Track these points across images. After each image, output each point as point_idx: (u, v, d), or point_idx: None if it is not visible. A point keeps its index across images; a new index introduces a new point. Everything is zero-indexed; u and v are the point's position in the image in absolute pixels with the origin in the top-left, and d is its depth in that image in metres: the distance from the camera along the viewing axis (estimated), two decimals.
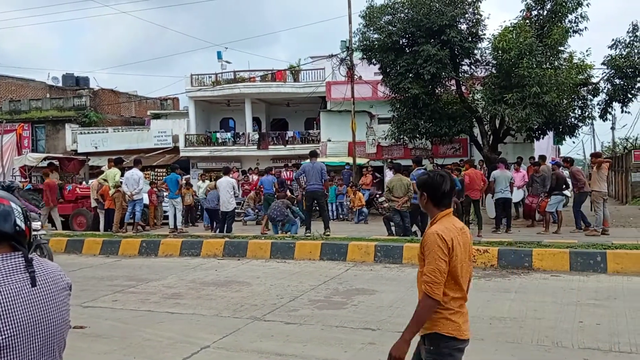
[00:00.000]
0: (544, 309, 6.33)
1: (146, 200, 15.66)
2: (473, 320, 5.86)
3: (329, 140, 26.75)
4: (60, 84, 39.26)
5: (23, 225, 1.76)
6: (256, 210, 17.69)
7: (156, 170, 28.31)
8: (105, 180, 14.24)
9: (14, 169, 20.68)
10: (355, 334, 5.61)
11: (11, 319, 1.60)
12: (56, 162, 18.17)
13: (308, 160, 12.94)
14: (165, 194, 16.01)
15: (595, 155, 13.46)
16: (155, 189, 16.95)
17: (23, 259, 1.71)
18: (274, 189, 16.17)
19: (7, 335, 1.58)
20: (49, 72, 47.37)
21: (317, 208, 13.60)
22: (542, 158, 14.84)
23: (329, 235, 11.69)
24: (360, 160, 23.66)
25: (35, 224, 9.18)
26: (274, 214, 13.21)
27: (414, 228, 12.22)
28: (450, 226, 2.84)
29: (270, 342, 5.45)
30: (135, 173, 13.55)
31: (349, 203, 18.59)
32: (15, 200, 1.78)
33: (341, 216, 18.87)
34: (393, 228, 11.98)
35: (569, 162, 14.74)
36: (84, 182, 19.11)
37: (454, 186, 2.99)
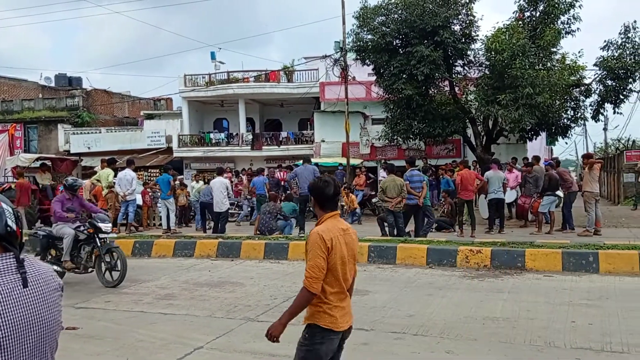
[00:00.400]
0: (536, 309, 6.35)
1: (139, 201, 15.59)
2: (466, 321, 5.90)
3: (323, 141, 26.75)
4: (52, 84, 39.04)
5: (14, 226, 1.75)
6: (250, 207, 17.59)
7: (149, 170, 28.20)
8: (98, 180, 14.18)
9: (5, 169, 20.56)
10: None
11: (2, 320, 1.59)
12: (49, 163, 18.07)
13: (301, 162, 13.08)
14: (158, 194, 15.93)
15: (587, 156, 13.56)
16: (148, 190, 16.87)
17: (14, 259, 1.70)
18: (266, 189, 16.17)
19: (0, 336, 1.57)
20: (42, 72, 47.19)
21: (311, 209, 13.62)
22: (536, 159, 14.90)
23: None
24: (354, 161, 23.68)
25: (106, 226, 8.56)
26: (262, 227, 13.04)
27: (409, 228, 12.24)
28: (333, 227, 3.14)
29: (263, 343, 5.41)
30: (128, 173, 13.50)
31: (342, 204, 18.57)
32: (5, 201, 1.77)
33: None
34: (387, 228, 12.00)
35: (555, 163, 14.81)
36: None
37: (337, 191, 3.29)
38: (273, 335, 3.15)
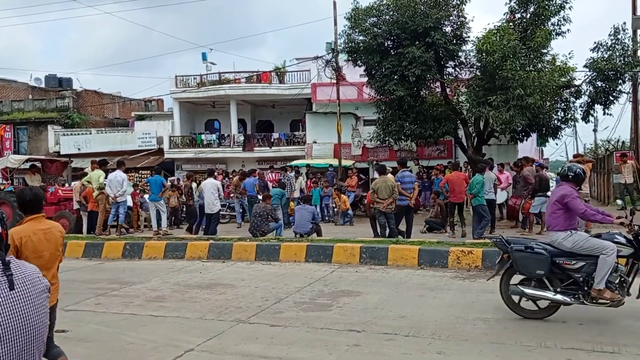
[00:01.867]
0: None
1: (130, 203, 15.50)
2: (457, 322, 5.91)
3: (315, 142, 26.75)
4: (42, 85, 38.76)
5: (0, 228, 1.73)
6: (242, 207, 17.46)
7: (140, 172, 28.06)
8: (88, 182, 14.06)
9: None
10: (340, 336, 5.60)
11: None
12: (38, 164, 17.89)
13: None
14: (146, 196, 15.79)
15: (576, 156, 13.76)
16: (138, 191, 16.77)
17: (0, 262, 1.67)
18: (256, 190, 16.15)
19: None
20: (32, 73, 46.83)
21: None
22: (527, 160, 14.94)
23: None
24: (346, 162, 23.69)
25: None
26: (253, 229, 12.82)
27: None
28: (28, 227, 3.93)
29: (254, 345, 5.42)
30: (118, 175, 13.41)
31: (334, 205, 18.56)
32: None
33: (327, 218, 18.84)
34: (378, 229, 12.00)
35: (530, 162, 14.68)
36: (66, 184, 18.85)
37: (36, 198, 4.04)
38: None
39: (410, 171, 12.79)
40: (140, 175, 27.48)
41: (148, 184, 15.29)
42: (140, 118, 33.62)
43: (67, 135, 31.97)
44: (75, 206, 15.23)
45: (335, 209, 18.29)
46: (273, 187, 17.61)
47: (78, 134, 31.96)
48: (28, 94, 37.05)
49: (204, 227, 14.25)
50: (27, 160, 18.00)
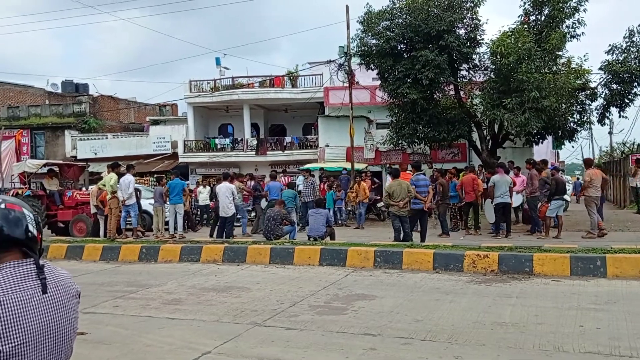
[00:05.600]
0: (545, 313, 6.33)
1: (147, 207, 15.62)
2: (474, 326, 5.89)
3: (327, 146, 26.79)
4: (59, 91, 39.29)
5: (35, 232, 1.76)
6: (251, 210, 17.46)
7: (154, 175, 28.29)
8: (104, 185, 14.22)
9: (12, 175, 20.64)
10: (356, 340, 5.60)
11: (22, 326, 1.60)
12: (56, 169, 18.14)
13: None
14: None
15: (587, 161, 13.91)
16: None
17: (34, 265, 1.71)
18: (279, 195, 16.00)
19: (18, 343, 1.58)
20: (48, 78, 47.48)
21: None
22: (544, 162, 14.83)
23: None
24: (359, 166, 23.68)
25: None
26: (267, 232, 12.80)
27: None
28: None
29: (270, 348, 5.45)
30: (126, 178, 13.55)
31: (351, 203, 18.60)
32: (26, 207, 1.78)
33: (339, 222, 18.84)
34: (394, 233, 11.97)
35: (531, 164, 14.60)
36: (83, 188, 19.08)
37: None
38: None
39: (424, 174, 12.78)
40: (154, 179, 27.68)
41: (169, 188, 15.33)
42: (155, 123, 33.93)
43: (83, 140, 32.35)
44: (93, 210, 15.39)
45: (356, 199, 17.98)
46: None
47: (94, 139, 32.33)
48: (45, 100, 37.58)
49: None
50: (44, 165, 18.24)
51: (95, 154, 30.84)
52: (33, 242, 1.74)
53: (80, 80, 42.77)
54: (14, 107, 35.55)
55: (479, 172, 17.80)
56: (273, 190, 16.24)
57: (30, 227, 1.74)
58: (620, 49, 16.73)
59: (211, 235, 14.57)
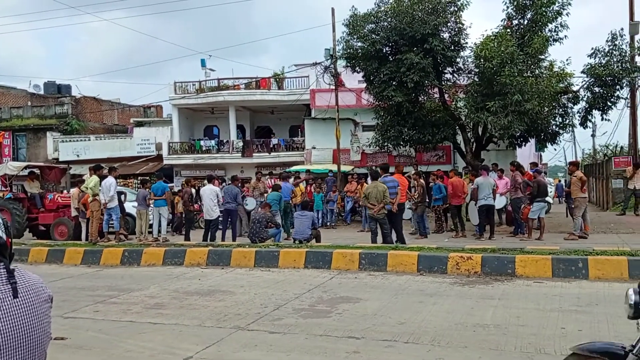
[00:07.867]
0: (526, 315, 6.37)
1: (130, 210, 15.47)
2: (457, 328, 5.90)
3: (314, 148, 26.80)
4: (42, 92, 38.82)
5: (4, 236, 1.73)
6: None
7: (139, 178, 28.07)
8: (87, 188, 14.06)
9: None
10: (340, 343, 5.59)
11: None
12: (37, 171, 17.90)
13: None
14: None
15: (573, 163, 14.05)
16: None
17: (4, 270, 1.68)
18: (290, 197, 15.77)
19: None
20: (31, 80, 46.94)
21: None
22: (512, 164, 14.88)
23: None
24: (345, 168, 23.72)
25: None
26: (252, 235, 12.76)
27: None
28: None
29: (254, 352, 5.41)
30: (107, 181, 13.40)
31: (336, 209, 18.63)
32: None
33: (328, 223, 18.84)
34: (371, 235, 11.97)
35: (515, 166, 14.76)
36: (65, 191, 18.85)
37: None
38: None
39: (392, 174, 12.65)
40: (138, 181, 27.46)
41: (152, 192, 15.17)
42: (139, 124, 33.66)
43: (65, 141, 31.99)
44: (74, 213, 15.20)
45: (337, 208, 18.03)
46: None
47: (77, 141, 31.99)
48: (27, 101, 37.11)
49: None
50: (25, 167, 17.99)
51: (78, 155, 30.53)
52: (2, 246, 1.72)
53: (63, 81, 42.34)
54: None
55: (463, 174, 17.90)
56: (284, 191, 16.15)
57: (0, 232, 1.71)
58: (603, 53, 16.91)
59: (204, 239, 14.51)
